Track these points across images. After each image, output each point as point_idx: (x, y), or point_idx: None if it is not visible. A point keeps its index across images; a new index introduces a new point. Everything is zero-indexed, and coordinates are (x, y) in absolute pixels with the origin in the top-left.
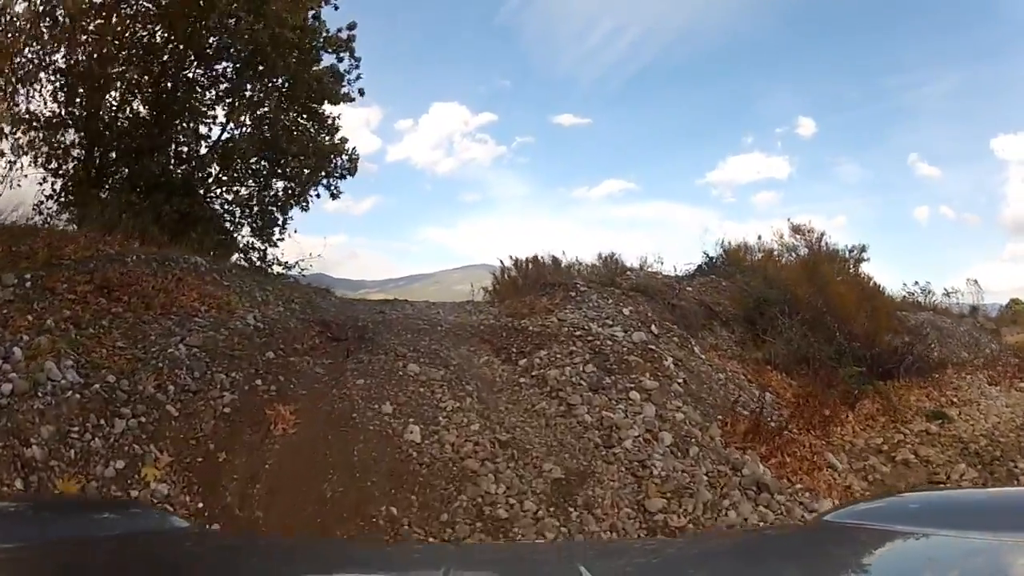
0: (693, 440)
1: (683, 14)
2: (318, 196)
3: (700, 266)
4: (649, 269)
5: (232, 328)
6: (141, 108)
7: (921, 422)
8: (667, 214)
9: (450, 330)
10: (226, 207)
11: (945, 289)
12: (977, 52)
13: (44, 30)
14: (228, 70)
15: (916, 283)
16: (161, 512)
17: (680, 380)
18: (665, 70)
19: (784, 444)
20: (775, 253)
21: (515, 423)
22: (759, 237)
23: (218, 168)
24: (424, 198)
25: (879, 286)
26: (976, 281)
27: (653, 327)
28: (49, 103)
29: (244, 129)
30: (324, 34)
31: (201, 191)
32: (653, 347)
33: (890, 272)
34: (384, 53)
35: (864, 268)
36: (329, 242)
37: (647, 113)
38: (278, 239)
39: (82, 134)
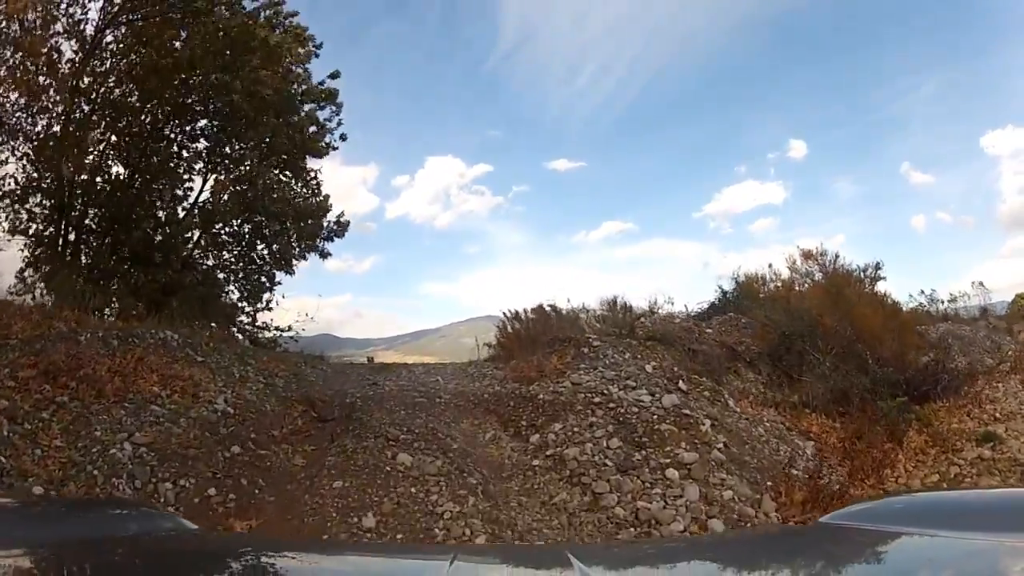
0: (747, 524)
1: (666, 48)
2: (304, 258)
3: (713, 303)
4: (660, 312)
5: (193, 417)
6: (120, 169)
7: (972, 448)
8: (667, 251)
9: (450, 401)
10: (210, 273)
11: (951, 294)
12: (958, 52)
13: (11, 87)
14: (207, 128)
15: (922, 292)
16: (171, 514)
17: (720, 445)
18: (653, 105)
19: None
20: (793, 281)
21: (530, 525)
22: (770, 265)
23: (199, 232)
24: (425, 253)
25: (897, 303)
26: (982, 283)
27: (681, 383)
28: (19, 167)
29: (224, 191)
30: (305, 84)
31: (182, 256)
32: (687, 411)
33: (894, 284)
34: (375, 111)
35: (879, 286)
36: (333, 302)
37: (640, 151)
38: (266, 305)
39: (52, 200)
